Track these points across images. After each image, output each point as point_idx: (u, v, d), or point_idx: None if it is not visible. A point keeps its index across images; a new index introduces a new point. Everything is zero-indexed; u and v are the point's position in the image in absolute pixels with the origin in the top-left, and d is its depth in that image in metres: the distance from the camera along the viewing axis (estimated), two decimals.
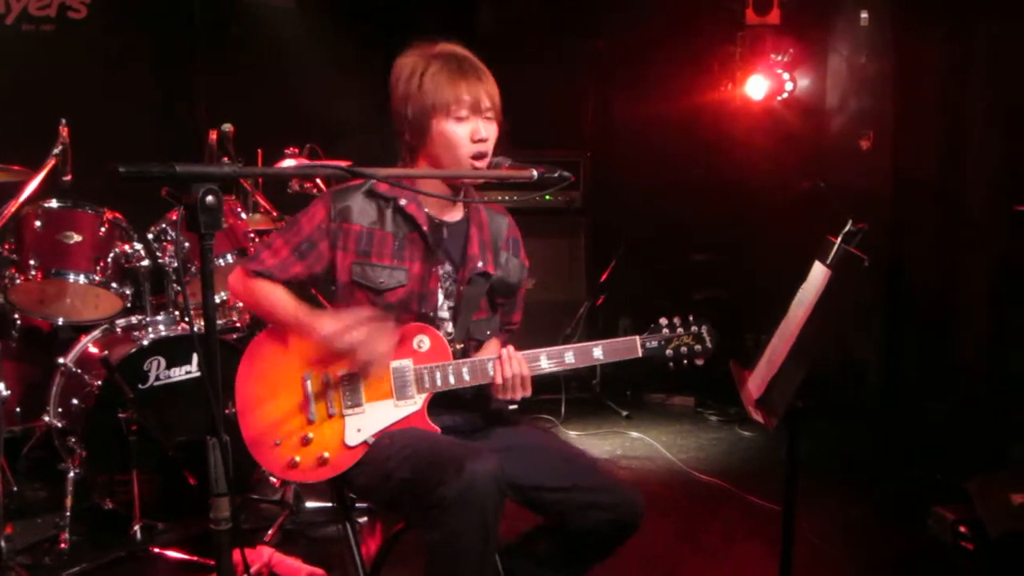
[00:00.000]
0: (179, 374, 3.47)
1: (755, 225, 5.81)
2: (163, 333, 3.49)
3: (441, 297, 2.35)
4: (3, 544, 3.08)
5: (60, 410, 3.48)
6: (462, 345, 2.35)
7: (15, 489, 3.71)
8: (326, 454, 2.21)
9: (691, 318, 2.39)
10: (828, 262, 2.10)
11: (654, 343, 2.36)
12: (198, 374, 3.47)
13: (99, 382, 3.35)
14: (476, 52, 2.34)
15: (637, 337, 2.35)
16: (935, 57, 4.93)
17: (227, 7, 5.53)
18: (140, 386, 3.37)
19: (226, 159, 3.77)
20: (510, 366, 2.23)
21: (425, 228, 2.31)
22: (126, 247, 3.59)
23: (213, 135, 3.79)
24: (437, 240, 2.34)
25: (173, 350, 3.45)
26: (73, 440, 3.40)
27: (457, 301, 2.35)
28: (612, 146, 6.00)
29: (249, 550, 3.13)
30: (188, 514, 3.36)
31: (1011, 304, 4.45)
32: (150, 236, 3.63)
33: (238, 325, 3.85)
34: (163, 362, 3.43)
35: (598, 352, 2.31)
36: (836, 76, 5.56)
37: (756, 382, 2.28)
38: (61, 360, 3.52)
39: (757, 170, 5.74)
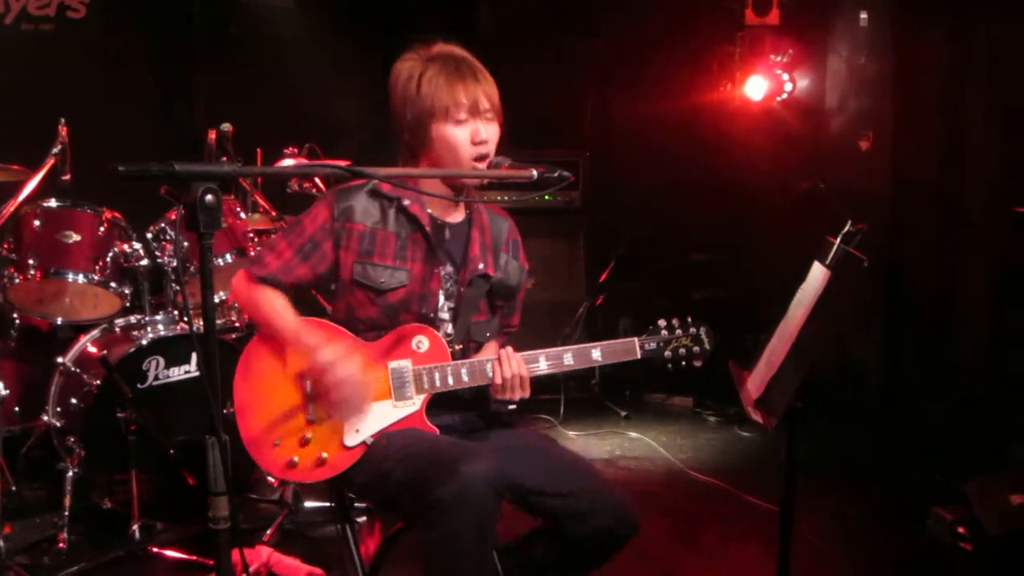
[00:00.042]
0: (178, 374, 3.47)
1: (754, 225, 5.81)
2: (162, 333, 3.49)
3: (442, 298, 2.35)
4: (2, 544, 3.08)
5: (59, 409, 3.48)
6: (461, 346, 2.34)
7: (14, 488, 3.70)
8: (325, 454, 2.21)
9: (690, 319, 2.39)
10: (827, 262, 2.10)
11: (653, 345, 2.36)
12: (197, 374, 3.46)
13: (98, 381, 3.35)
14: (475, 52, 2.33)
15: (636, 339, 2.34)
16: (935, 57, 4.93)
17: (226, 7, 5.53)
18: (139, 386, 3.37)
19: (225, 159, 3.76)
20: (509, 367, 2.23)
21: (428, 229, 2.31)
22: (125, 246, 3.59)
23: (212, 135, 3.78)
24: (439, 241, 2.34)
25: (172, 350, 3.45)
26: (72, 440, 3.39)
27: (457, 302, 2.35)
28: (611, 146, 6.00)
29: (248, 549, 3.13)
30: (187, 514, 3.36)
31: (1011, 304, 4.45)
32: (149, 236, 3.63)
33: (237, 325, 3.84)
34: (162, 362, 3.43)
35: (597, 354, 2.31)
36: (835, 76, 5.56)
37: (755, 382, 2.28)
38: (60, 359, 3.51)
39: (756, 170, 5.74)
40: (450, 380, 2.25)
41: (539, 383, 2.31)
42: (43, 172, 3.47)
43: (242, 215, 3.83)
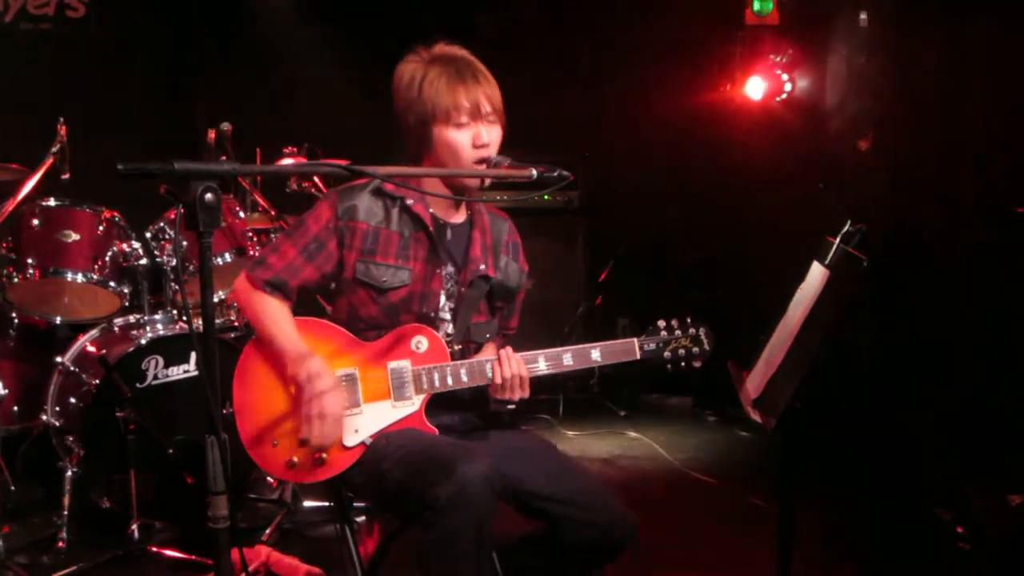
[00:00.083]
0: (177, 373, 3.46)
1: (754, 225, 5.80)
2: (161, 332, 3.49)
3: (443, 298, 2.34)
4: (1, 543, 3.08)
5: (58, 409, 3.48)
6: (460, 346, 2.34)
7: (12, 488, 3.70)
8: (324, 455, 2.21)
9: (689, 320, 2.39)
10: (827, 262, 2.10)
11: (652, 345, 2.35)
12: (196, 373, 3.46)
13: (97, 381, 3.35)
14: (475, 52, 2.32)
15: (635, 339, 2.34)
16: (935, 57, 4.93)
17: (226, 7, 5.52)
18: (138, 385, 3.37)
19: (224, 158, 3.76)
20: (508, 367, 2.23)
21: (431, 228, 2.31)
22: (124, 246, 3.59)
23: (211, 134, 3.78)
24: (441, 241, 2.33)
25: (171, 349, 3.45)
26: (71, 439, 3.39)
27: (458, 302, 2.35)
28: (611, 146, 5.99)
29: (247, 549, 3.13)
30: (186, 513, 3.35)
31: (1011, 305, 4.45)
32: (148, 235, 3.63)
33: (236, 324, 3.85)
34: (161, 361, 3.43)
35: (596, 354, 2.31)
36: (835, 76, 5.55)
37: (754, 382, 2.28)
38: (59, 359, 3.51)
39: (756, 170, 5.73)
40: (449, 380, 2.25)
41: (538, 383, 2.31)
42: (42, 171, 3.47)
43: (241, 214, 3.83)
